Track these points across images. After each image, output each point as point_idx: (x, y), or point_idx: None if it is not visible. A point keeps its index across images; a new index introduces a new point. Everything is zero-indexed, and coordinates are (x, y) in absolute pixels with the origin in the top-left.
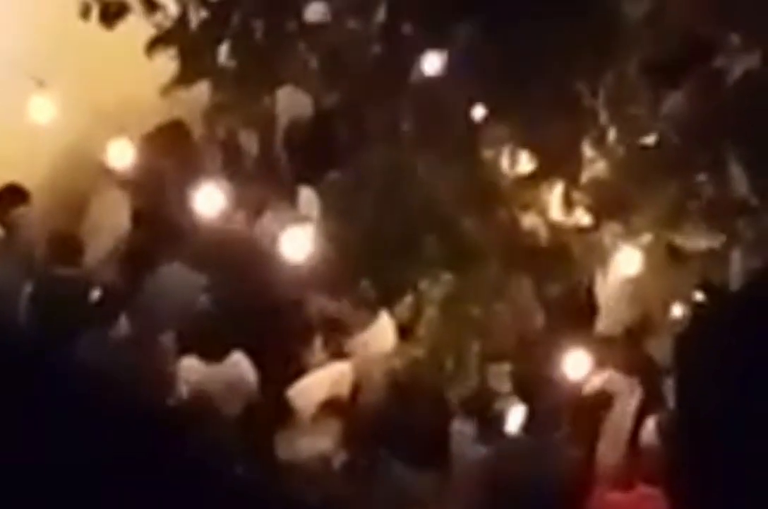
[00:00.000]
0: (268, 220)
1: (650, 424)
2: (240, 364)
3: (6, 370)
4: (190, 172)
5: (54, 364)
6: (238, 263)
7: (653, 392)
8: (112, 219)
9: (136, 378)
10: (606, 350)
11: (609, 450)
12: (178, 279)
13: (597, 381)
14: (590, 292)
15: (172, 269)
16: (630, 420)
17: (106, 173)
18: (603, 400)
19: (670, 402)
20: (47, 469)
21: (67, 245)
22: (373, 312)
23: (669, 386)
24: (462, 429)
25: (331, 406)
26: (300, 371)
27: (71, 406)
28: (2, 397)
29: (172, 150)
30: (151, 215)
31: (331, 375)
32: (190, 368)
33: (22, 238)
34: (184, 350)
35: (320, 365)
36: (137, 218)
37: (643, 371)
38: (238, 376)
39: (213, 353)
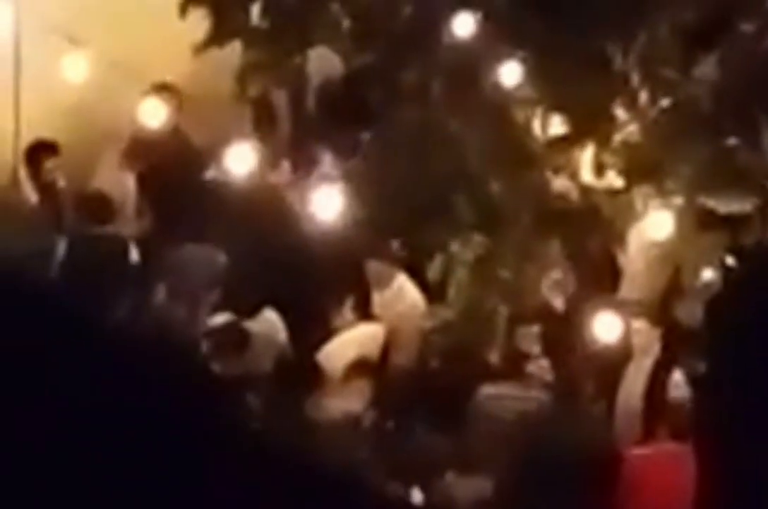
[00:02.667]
0: (299, 179)
1: (678, 380)
2: (272, 320)
3: (46, 331)
4: (220, 132)
5: (95, 325)
6: (269, 223)
7: (676, 350)
8: (123, 179)
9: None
10: (634, 312)
11: (626, 405)
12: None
13: (621, 332)
14: (621, 254)
15: (200, 231)
16: (645, 375)
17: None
18: (623, 354)
19: (700, 361)
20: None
21: (98, 203)
22: (402, 273)
23: (697, 345)
24: (491, 391)
25: (360, 367)
26: (330, 332)
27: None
28: (45, 357)
29: (200, 111)
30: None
31: (360, 337)
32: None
33: (54, 196)
34: (216, 307)
35: (349, 326)
36: (151, 179)
37: (668, 329)
38: (269, 331)
39: (245, 310)
